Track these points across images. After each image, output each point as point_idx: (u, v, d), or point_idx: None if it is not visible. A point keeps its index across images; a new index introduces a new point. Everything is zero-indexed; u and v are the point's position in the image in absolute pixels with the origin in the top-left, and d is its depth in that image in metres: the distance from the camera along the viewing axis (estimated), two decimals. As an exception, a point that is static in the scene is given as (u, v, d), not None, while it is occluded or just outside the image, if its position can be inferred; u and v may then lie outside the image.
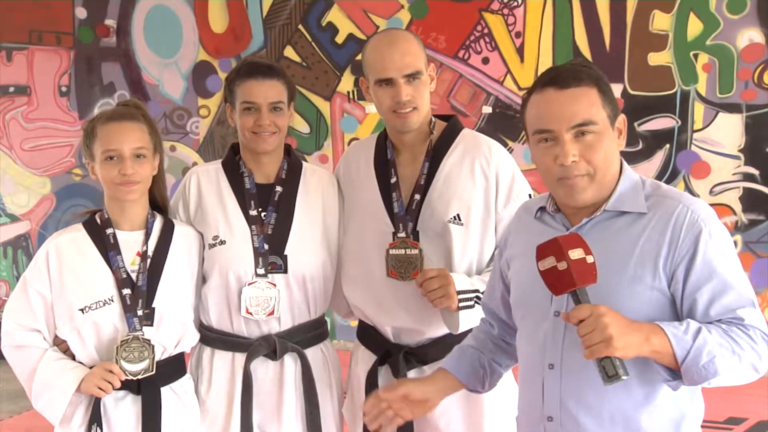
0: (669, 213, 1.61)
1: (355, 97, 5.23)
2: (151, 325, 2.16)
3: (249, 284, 2.26)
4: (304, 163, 2.45)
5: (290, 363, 2.32)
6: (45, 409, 2.17)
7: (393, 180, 2.28)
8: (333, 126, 5.30)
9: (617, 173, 1.67)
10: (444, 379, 1.91)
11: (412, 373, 2.28)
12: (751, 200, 4.58)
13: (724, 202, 4.59)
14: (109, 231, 2.20)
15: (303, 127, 5.31)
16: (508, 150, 3.43)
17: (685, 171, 4.65)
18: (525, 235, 1.80)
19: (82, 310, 2.13)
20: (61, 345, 2.21)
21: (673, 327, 1.51)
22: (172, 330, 2.21)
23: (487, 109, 4.97)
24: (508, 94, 4.93)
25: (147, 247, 2.21)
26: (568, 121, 1.60)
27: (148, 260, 2.20)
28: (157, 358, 2.16)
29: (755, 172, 4.56)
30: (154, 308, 2.17)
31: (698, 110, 4.60)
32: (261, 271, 2.26)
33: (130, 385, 2.15)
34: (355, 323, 2.48)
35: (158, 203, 2.30)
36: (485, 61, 4.95)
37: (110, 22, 5.69)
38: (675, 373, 1.53)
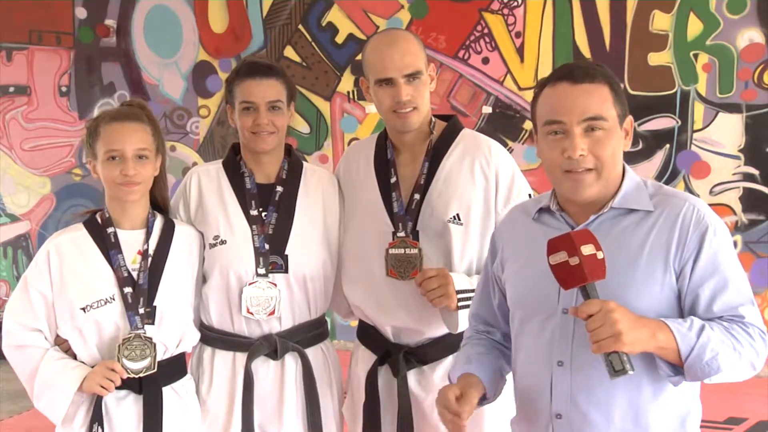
0: (676, 211, 1.64)
1: (355, 97, 5.23)
2: (153, 323, 2.16)
3: (250, 284, 2.26)
4: (304, 163, 2.46)
5: (291, 362, 2.32)
6: (47, 408, 2.18)
7: (393, 180, 2.28)
8: (333, 126, 5.30)
9: (621, 173, 1.70)
10: (478, 382, 1.80)
11: (411, 373, 2.28)
12: (751, 200, 4.58)
13: (724, 202, 4.59)
14: (110, 230, 2.20)
15: (303, 127, 5.31)
16: (507, 150, 3.43)
17: (685, 171, 4.65)
18: (524, 237, 1.80)
19: (83, 309, 2.14)
20: (62, 345, 2.21)
21: (677, 324, 1.54)
22: (173, 328, 2.21)
23: (487, 109, 4.97)
24: (508, 94, 4.93)
25: (148, 245, 2.21)
26: (579, 114, 1.62)
27: (149, 259, 2.20)
28: (158, 358, 2.16)
29: (755, 172, 4.56)
30: (155, 306, 2.17)
31: (698, 110, 4.60)
32: (262, 270, 2.27)
33: (131, 385, 2.16)
34: (355, 323, 2.48)
35: (159, 204, 2.30)
36: (485, 61, 4.95)
37: (110, 22, 5.69)
38: (677, 369, 1.56)
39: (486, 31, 4.92)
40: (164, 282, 2.20)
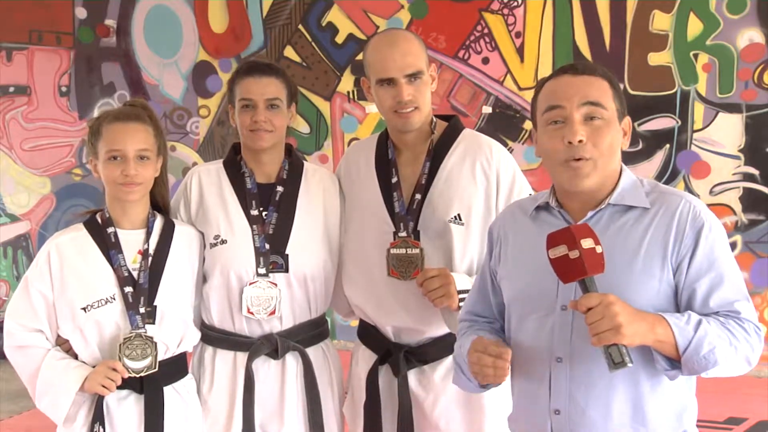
0: (673, 208, 1.66)
1: (355, 97, 5.23)
2: (153, 322, 2.16)
3: (250, 284, 2.26)
4: (305, 162, 2.46)
5: (292, 362, 2.32)
6: (48, 408, 2.18)
7: (394, 180, 2.28)
8: (333, 126, 5.30)
9: (618, 169, 1.72)
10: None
11: (412, 373, 2.28)
12: (751, 200, 4.59)
13: (724, 202, 4.60)
14: (110, 230, 2.20)
15: (303, 127, 5.31)
16: (507, 150, 3.43)
17: (685, 171, 4.66)
18: (521, 234, 1.81)
19: (84, 308, 2.14)
20: (63, 345, 2.21)
21: (675, 318, 1.56)
22: (173, 328, 2.21)
23: (487, 109, 4.97)
24: (508, 94, 4.93)
25: (148, 245, 2.21)
26: (579, 99, 1.65)
27: (150, 258, 2.20)
28: (159, 358, 2.16)
29: (755, 172, 4.56)
30: (155, 306, 2.17)
31: (698, 110, 4.60)
32: (262, 270, 2.27)
33: (133, 385, 2.16)
34: (355, 323, 2.49)
35: (159, 204, 2.30)
36: (485, 61, 4.95)
37: (110, 22, 5.69)
38: (674, 363, 1.58)
39: (486, 31, 4.93)
40: (164, 281, 2.20)
